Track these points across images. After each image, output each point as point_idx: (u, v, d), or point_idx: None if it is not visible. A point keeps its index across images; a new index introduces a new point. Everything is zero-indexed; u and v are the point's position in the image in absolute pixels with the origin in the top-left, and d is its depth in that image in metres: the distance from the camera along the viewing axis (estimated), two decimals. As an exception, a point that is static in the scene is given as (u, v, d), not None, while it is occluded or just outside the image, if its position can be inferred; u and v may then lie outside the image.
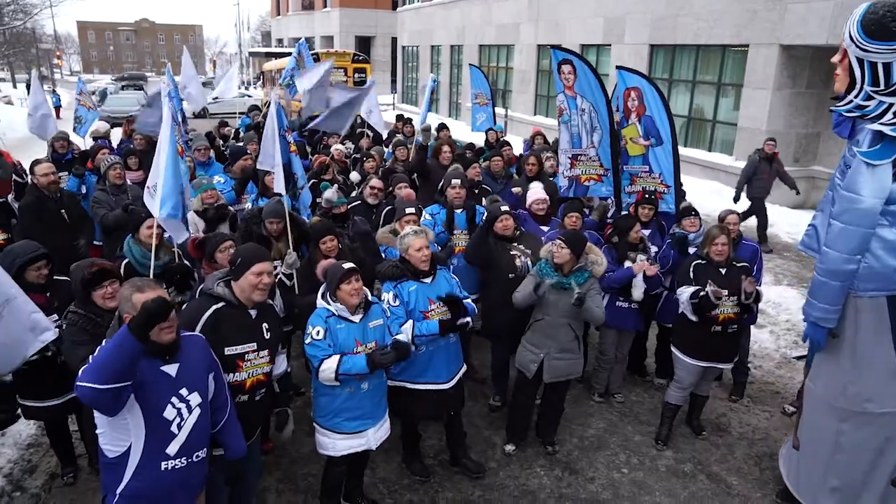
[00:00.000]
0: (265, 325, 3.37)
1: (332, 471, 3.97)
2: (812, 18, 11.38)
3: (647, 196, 5.93)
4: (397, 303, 4.02)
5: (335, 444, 3.74)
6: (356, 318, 3.63)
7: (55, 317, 3.81)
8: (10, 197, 6.32)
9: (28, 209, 5.89)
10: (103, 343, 2.66)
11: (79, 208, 6.26)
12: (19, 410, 4.22)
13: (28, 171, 6.43)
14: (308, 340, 3.52)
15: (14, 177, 6.75)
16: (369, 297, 3.78)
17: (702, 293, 4.56)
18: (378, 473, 4.58)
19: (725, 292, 4.56)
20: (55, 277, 4.05)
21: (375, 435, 3.82)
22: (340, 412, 3.68)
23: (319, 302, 3.65)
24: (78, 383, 2.45)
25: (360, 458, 3.99)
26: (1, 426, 4.51)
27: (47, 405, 4.08)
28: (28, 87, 35.91)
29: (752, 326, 5.79)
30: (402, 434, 4.58)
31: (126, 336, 2.39)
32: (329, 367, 3.46)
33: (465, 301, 4.16)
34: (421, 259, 4.06)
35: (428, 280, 4.14)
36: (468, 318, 4.02)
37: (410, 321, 3.97)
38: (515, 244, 5.04)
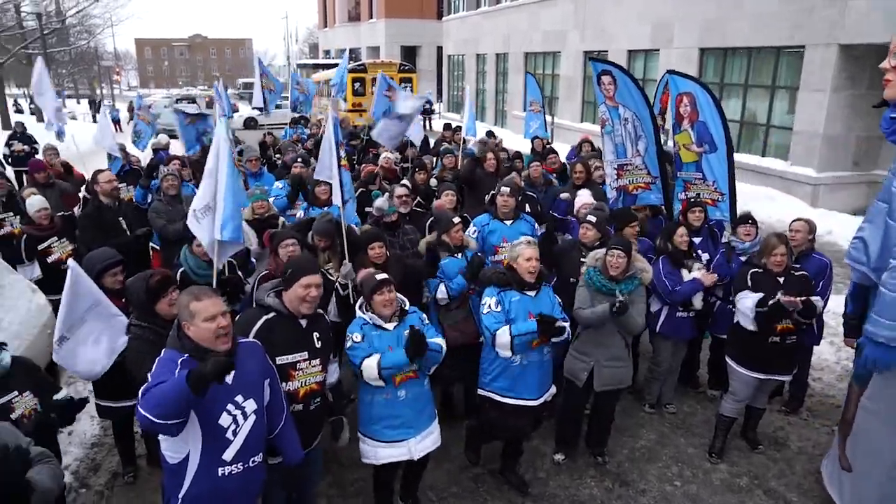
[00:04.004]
0: (316, 335, 3.43)
1: (381, 476, 4.01)
2: (876, 15, 10.94)
3: (692, 200, 5.77)
4: (498, 308, 4.01)
5: (376, 453, 3.76)
6: (390, 327, 3.66)
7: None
8: (77, 209, 6.62)
9: (87, 218, 6.18)
10: (162, 353, 2.75)
11: (137, 217, 6.51)
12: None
13: (91, 182, 6.74)
14: (349, 345, 3.59)
15: (83, 191, 7.09)
16: (405, 307, 3.79)
17: (771, 301, 4.39)
18: (426, 480, 4.56)
19: (799, 300, 4.35)
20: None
21: (418, 446, 3.80)
22: (379, 420, 3.71)
23: (357, 311, 3.73)
24: (139, 410, 2.51)
25: (413, 464, 3.99)
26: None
27: (121, 406, 4.24)
28: (91, 103, 37.60)
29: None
30: (474, 433, 4.58)
31: (184, 388, 2.42)
32: (370, 364, 3.51)
33: (560, 324, 4.05)
34: (528, 270, 4.03)
35: (532, 293, 4.11)
36: (566, 325, 3.99)
37: (508, 325, 3.94)
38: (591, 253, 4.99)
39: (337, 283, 4.36)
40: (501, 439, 4.57)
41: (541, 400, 4.23)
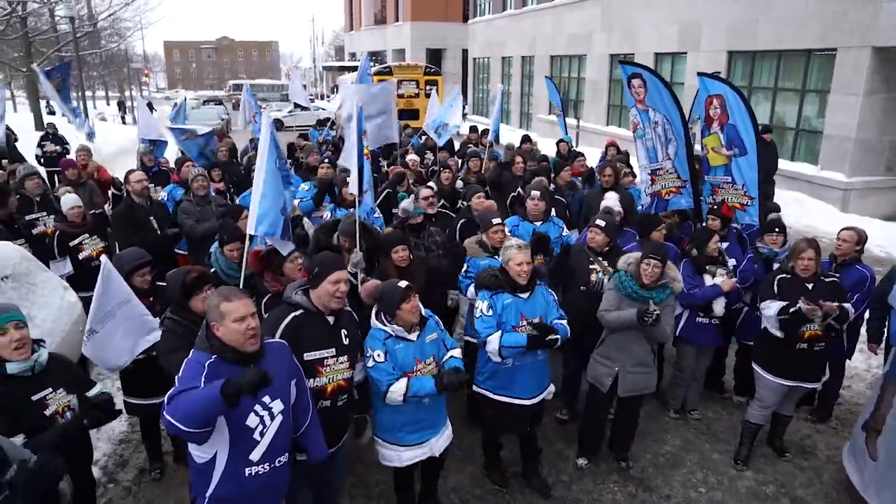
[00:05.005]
0: (343, 331, 3.45)
1: (401, 477, 4.03)
2: (910, 18, 10.72)
3: (713, 207, 5.83)
4: (490, 313, 4.03)
5: (400, 456, 3.77)
6: (413, 336, 3.61)
7: (157, 320, 4.06)
8: (108, 207, 6.77)
9: (119, 216, 6.32)
10: (190, 354, 2.78)
11: (167, 217, 6.63)
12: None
13: (123, 181, 6.87)
14: (370, 364, 3.53)
15: (112, 189, 7.24)
16: (423, 313, 3.74)
17: (792, 309, 4.31)
18: (450, 483, 4.59)
19: (833, 305, 4.25)
20: (157, 283, 4.32)
21: (437, 443, 3.85)
22: (403, 426, 3.72)
23: (374, 323, 3.64)
24: (165, 416, 2.55)
25: (433, 462, 4.01)
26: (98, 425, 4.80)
27: (148, 403, 4.31)
28: (119, 105, 38.28)
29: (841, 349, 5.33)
30: (483, 441, 4.62)
31: (218, 399, 2.47)
32: (398, 389, 3.48)
33: (558, 322, 4.13)
34: (519, 273, 4.04)
35: (525, 295, 4.11)
36: (557, 336, 4.00)
37: (499, 332, 3.97)
38: (601, 259, 4.97)
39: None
40: (502, 434, 4.58)
41: (536, 399, 4.27)
